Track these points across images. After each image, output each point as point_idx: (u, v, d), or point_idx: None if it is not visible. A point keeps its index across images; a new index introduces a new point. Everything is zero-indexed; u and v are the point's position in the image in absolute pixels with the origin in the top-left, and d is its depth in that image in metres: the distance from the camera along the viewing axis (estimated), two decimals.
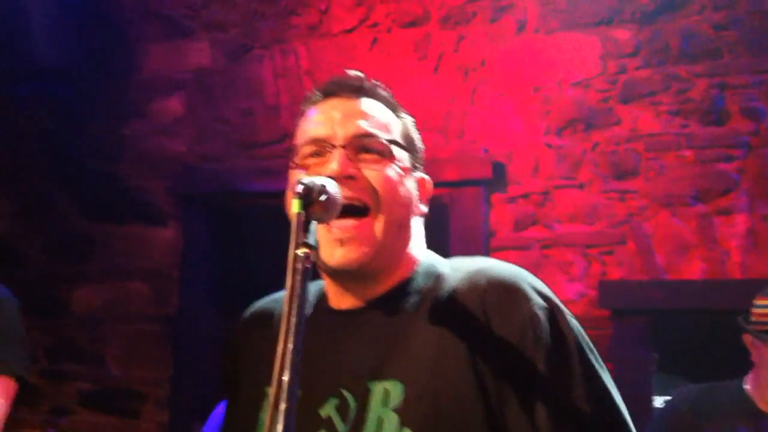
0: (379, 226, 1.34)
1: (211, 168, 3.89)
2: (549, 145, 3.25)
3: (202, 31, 4.00)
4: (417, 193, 1.42)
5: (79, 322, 3.99)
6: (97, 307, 3.98)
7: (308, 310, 1.42)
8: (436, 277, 1.38)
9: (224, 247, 3.94)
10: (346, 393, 1.33)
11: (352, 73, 1.44)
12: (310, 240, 1.11)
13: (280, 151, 3.70)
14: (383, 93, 1.44)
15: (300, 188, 1.15)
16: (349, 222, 1.33)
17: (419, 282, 1.38)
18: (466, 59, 3.45)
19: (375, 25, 3.65)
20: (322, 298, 1.44)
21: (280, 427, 1.01)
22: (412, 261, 1.41)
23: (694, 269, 2.96)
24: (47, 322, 4.01)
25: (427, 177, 1.45)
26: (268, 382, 1.39)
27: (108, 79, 4.09)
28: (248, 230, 3.91)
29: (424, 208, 1.44)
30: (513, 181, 3.27)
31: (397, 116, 1.43)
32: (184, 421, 3.58)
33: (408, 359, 1.31)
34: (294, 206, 1.14)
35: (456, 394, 1.26)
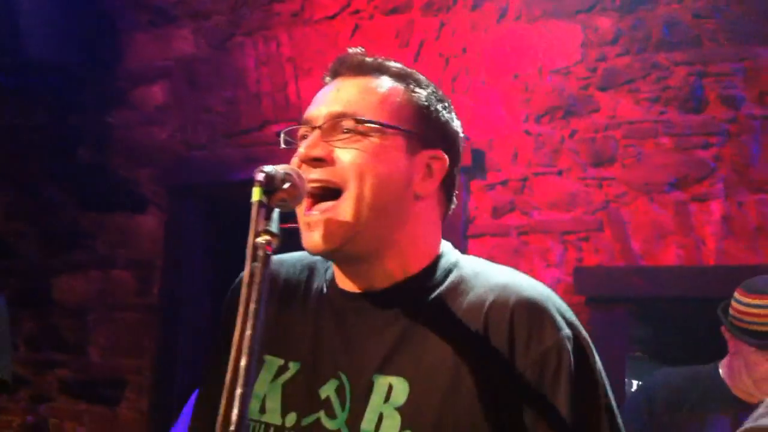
0: (347, 209, 1.30)
1: (196, 156, 3.89)
2: (528, 133, 3.25)
3: (186, 18, 4.00)
4: (417, 172, 1.33)
5: (63, 310, 4.00)
6: (81, 296, 3.98)
7: (319, 283, 1.41)
8: (458, 279, 1.34)
9: (210, 236, 3.94)
10: (344, 377, 1.32)
11: (354, 50, 1.41)
12: (273, 227, 1.11)
13: (262, 139, 3.71)
14: (391, 67, 1.39)
15: (261, 177, 1.14)
16: (321, 205, 1.30)
17: (438, 278, 1.35)
18: (447, 47, 3.45)
19: (357, 12, 3.64)
20: (332, 276, 1.41)
21: (235, 411, 1.00)
22: (426, 251, 1.36)
23: (669, 256, 2.96)
24: (30, 310, 4.02)
25: (438, 154, 1.35)
26: (267, 351, 1.38)
27: (94, 68, 4.09)
28: (234, 218, 3.90)
29: (428, 189, 1.35)
30: (492, 168, 3.27)
31: (408, 90, 1.37)
32: (164, 408, 3.58)
33: (419, 360, 1.28)
34: (253, 194, 1.12)
35: (467, 409, 1.24)
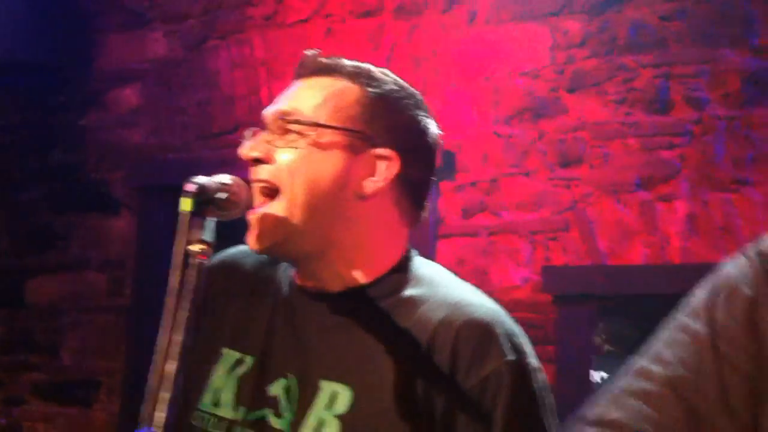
0: (280, 208, 1.31)
1: (169, 159, 3.90)
2: (498, 134, 3.29)
3: (159, 21, 4.02)
4: (360, 172, 1.33)
5: (36, 312, 3.99)
6: (53, 298, 3.98)
7: (281, 278, 1.42)
8: (414, 291, 1.34)
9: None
10: (293, 379, 1.32)
11: (311, 51, 1.43)
12: (207, 236, 1.12)
13: (236, 141, 3.71)
14: (346, 66, 1.39)
15: (191, 188, 1.16)
16: (262, 206, 1.32)
17: (394, 288, 1.35)
18: (418, 49, 3.48)
19: (329, 15, 3.67)
20: (293, 272, 1.42)
21: (162, 414, 1.02)
22: (381, 257, 1.36)
23: (635, 255, 3.00)
24: (2, 313, 4.01)
25: (386, 153, 1.34)
26: (226, 344, 1.40)
27: (68, 70, 4.10)
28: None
29: (372, 189, 1.34)
30: (462, 169, 3.30)
31: (360, 89, 1.36)
32: (136, 410, 3.58)
33: (365, 369, 1.29)
34: (182, 205, 1.14)
35: (406, 426, 1.25)
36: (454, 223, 3.27)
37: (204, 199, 1.17)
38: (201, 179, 1.19)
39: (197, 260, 1.10)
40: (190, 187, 1.16)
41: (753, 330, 0.96)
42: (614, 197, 3.08)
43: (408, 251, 1.40)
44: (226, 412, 1.35)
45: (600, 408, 1.00)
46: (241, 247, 1.47)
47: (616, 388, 1.01)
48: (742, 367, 0.95)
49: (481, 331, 1.27)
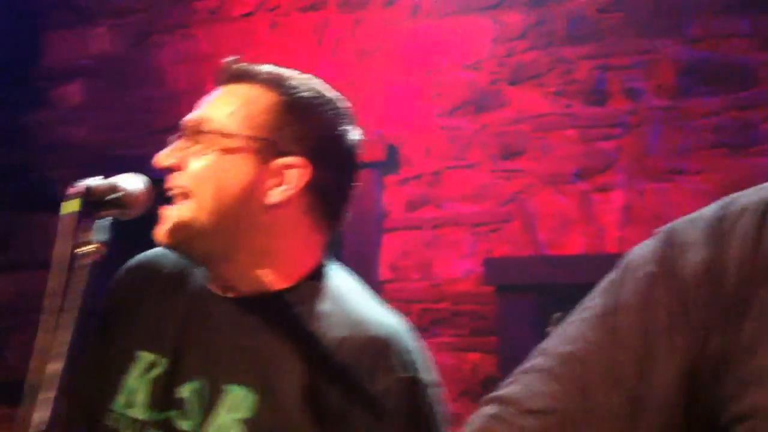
0: (188, 212, 1.34)
1: (115, 155, 3.88)
2: (441, 127, 3.32)
3: (103, 16, 3.98)
4: (268, 181, 1.35)
5: None
6: (2, 298, 3.94)
7: (196, 280, 1.44)
8: (322, 303, 1.36)
9: (131, 234, 3.93)
10: (202, 381, 1.35)
11: (230, 58, 1.45)
12: (99, 236, 1.15)
13: None
14: (261, 73, 1.40)
15: (77, 189, 1.19)
16: (172, 206, 1.37)
17: (302, 298, 1.37)
18: (362, 43, 3.49)
19: (274, 8, 3.67)
20: (205, 276, 1.44)
21: (45, 415, 1.03)
22: (293, 265, 1.38)
23: (574, 244, 3.06)
24: None
25: (294, 162, 1.35)
26: (141, 346, 1.41)
27: (12, 68, 4.05)
28: (153, 216, 3.90)
29: (280, 198, 1.35)
30: (406, 162, 3.33)
31: (273, 96, 1.37)
32: None
33: (271, 376, 1.31)
34: (67, 206, 1.17)
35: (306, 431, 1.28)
36: (398, 216, 3.30)
37: (93, 200, 1.18)
38: (90, 181, 1.22)
39: (86, 261, 1.09)
40: (74, 189, 1.19)
41: (648, 308, 0.96)
42: (554, 188, 3.12)
43: (322, 261, 1.42)
44: (138, 413, 1.37)
45: (503, 386, 1.02)
46: (159, 249, 1.49)
47: (522, 367, 1.03)
48: (632, 345, 0.95)
49: (376, 349, 1.31)
